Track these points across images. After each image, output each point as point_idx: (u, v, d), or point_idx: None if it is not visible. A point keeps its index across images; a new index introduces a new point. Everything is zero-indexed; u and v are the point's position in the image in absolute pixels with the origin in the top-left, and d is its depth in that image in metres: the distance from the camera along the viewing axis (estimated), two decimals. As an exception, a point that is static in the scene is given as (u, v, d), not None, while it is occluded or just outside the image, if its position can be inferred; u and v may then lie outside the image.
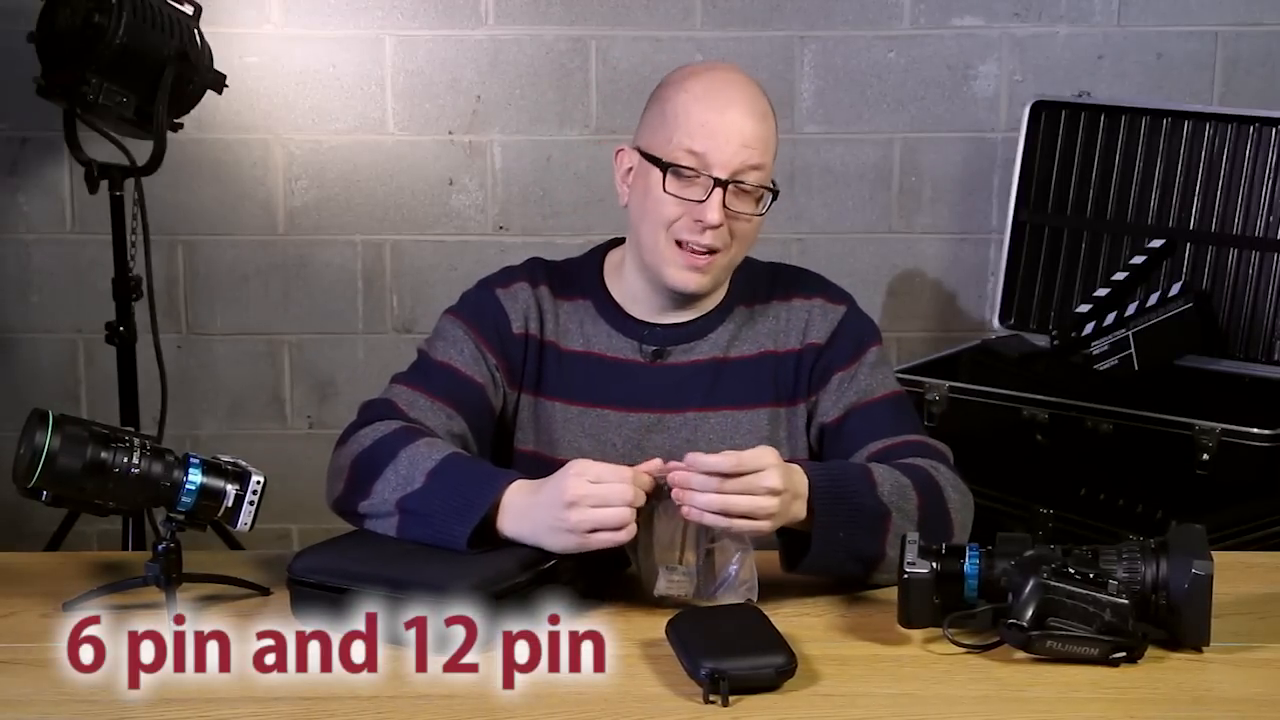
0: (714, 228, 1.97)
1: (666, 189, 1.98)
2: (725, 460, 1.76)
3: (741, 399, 2.06)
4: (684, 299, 2.05)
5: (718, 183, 1.96)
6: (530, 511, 1.80)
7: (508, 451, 2.08)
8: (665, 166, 1.98)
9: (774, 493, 1.76)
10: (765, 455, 1.78)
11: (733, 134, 1.97)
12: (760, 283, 2.13)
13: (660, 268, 2.02)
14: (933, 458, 1.98)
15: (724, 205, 1.96)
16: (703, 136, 1.96)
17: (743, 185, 1.98)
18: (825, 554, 1.83)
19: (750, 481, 1.76)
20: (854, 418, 2.04)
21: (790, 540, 1.85)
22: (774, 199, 2.01)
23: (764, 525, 1.78)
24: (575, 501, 1.75)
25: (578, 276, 2.13)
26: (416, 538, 1.84)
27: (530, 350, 2.08)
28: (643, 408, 2.06)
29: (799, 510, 1.81)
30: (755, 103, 2.00)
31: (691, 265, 2.00)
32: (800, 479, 1.82)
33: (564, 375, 2.08)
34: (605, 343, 2.08)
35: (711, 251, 1.99)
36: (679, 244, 1.99)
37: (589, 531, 1.76)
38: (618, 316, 2.09)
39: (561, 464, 1.81)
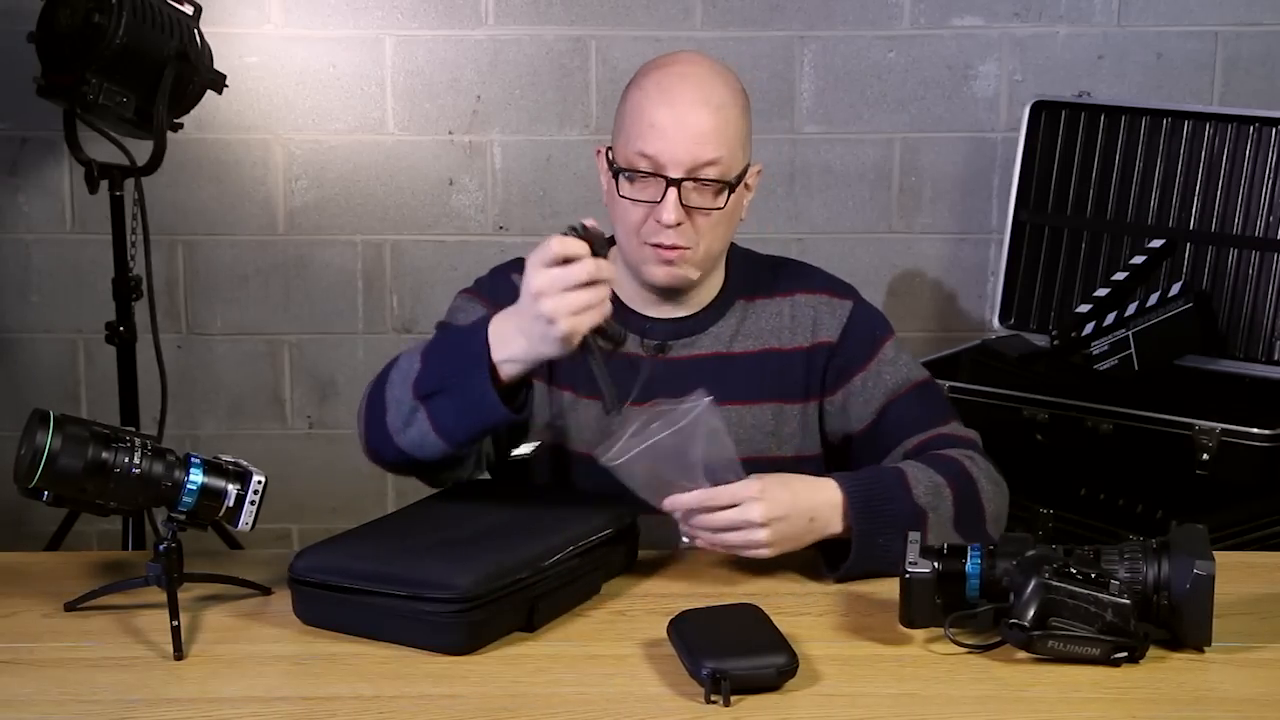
0: (673, 226, 1.96)
1: (622, 194, 1.99)
2: (693, 498, 1.82)
3: (745, 395, 2.06)
4: (671, 293, 2.06)
5: (670, 182, 1.95)
6: (518, 329, 1.79)
7: (521, 433, 2.07)
8: (617, 172, 1.99)
9: (757, 525, 1.83)
10: (744, 489, 1.83)
11: (682, 131, 1.95)
12: (761, 276, 2.13)
13: (638, 267, 2.04)
14: (964, 448, 2.02)
15: (681, 203, 1.96)
16: (653, 137, 1.96)
17: (699, 181, 1.97)
18: (866, 560, 1.88)
19: (733, 517, 1.83)
20: (885, 418, 2.06)
21: (829, 546, 1.90)
22: (730, 193, 1.99)
23: (763, 553, 1.85)
24: (541, 292, 1.75)
25: None
26: (451, 417, 1.83)
27: None
28: (646, 402, 2.05)
29: (826, 525, 1.88)
30: (710, 94, 1.98)
31: (663, 260, 2.00)
32: (824, 496, 1.88)
33: (572, 365, 2.08)
34: None
35: (680, 247, 1.99)
36: (649, 244, 2.00)
37: (573, 315, 1.75)
38: (619, 311, 2.09)
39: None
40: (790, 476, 1.90)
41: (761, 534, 1.83)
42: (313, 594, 1.76)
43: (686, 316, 2.09)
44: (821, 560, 1.91)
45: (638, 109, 1.98)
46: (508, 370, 1.81)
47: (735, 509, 1.83)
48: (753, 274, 2.13)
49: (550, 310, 1.74)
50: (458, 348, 1.85)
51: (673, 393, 1.97)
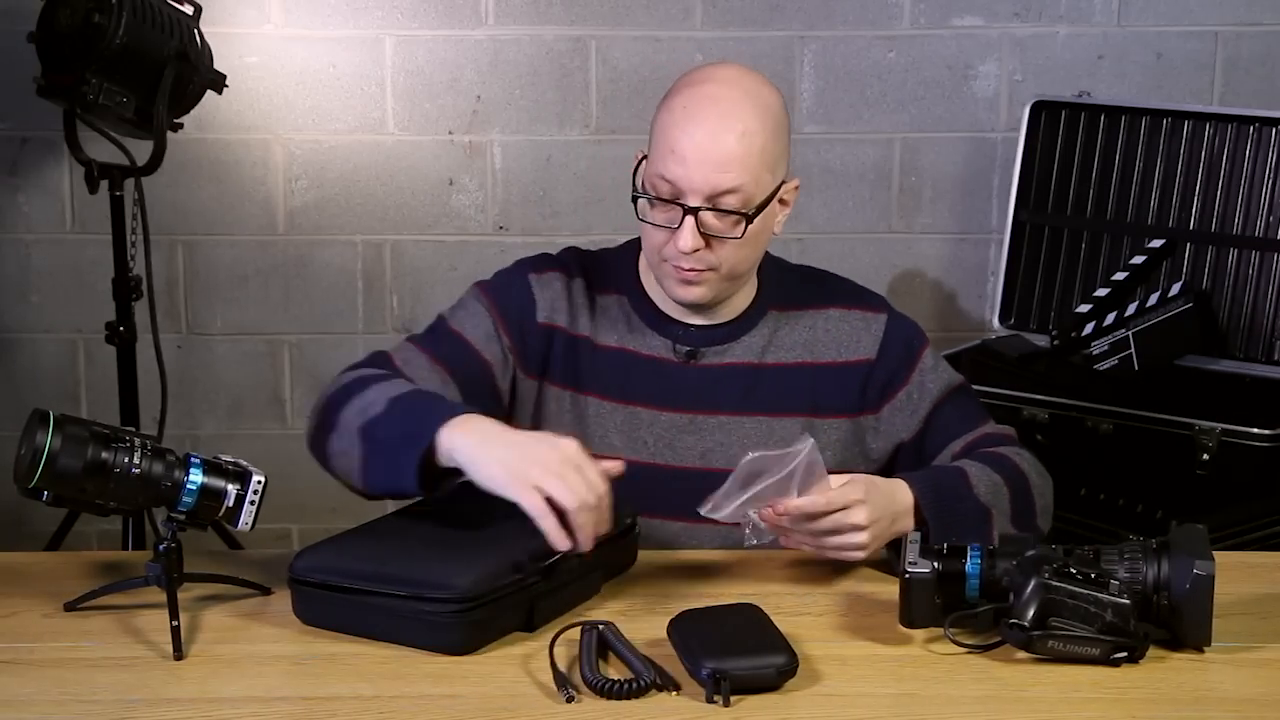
0: (690, 253, 1.94)
1: (642, 217, 1.98)
2: (812, 503, 1.81)
3: (776, 407, 2.06)
4: (698, 306, 2.05)
5: (687, 210, 1.93)
6: (502, 444, 1.78)
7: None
8: (637, 196, 1.98)
9: (861, 528, 1.84)
10: (851, 492, 1.84)
11: (702, 160, 1.91)
12: (793, 288, 2.11)
13: (662, 282, 2.03)
14: (1008, 444, 2.06)
15: (699, 230, 1.93)
16: (674, 163, 1.92)
17: (718, 210, 1.93)
18: None
19: (838, 520, 1.83)
20: (931, 426, 2.08)
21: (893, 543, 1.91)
22: (749, 223, 1.94)
23: (858, 555, 1.87)
24: (568, 466, 1.73)
25: (613, 272, 2.12)
26: (371, 463, 1.84)
27: (555, 342, 2.07)
28: (675, 408, 2.05)
29: (903, 527, 1.89)
30: (735, 120, 1.92)
31: (685, 280, 1.99)
32: (901, 497, 1.90)
33: (599, 370, 2.07)
34: (640, 340, 2.08)
35: (700, 270, 1.98)
36: (671, 264, 1.99)
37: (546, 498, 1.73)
38: (652, 315, 2.09)
39: (595, 458, 1.81)
40: (874, 478, 1.92)
41: (863, 536, 1.85)
42: (312, 594, 1.76)
43: (719, 325, 2.08)
44: (894, 557, 1.90)
45: (664, 130, 1.95)
46: (448, 461, 1.80)
47: (840, 513, 1.83)
48: (785, 285, 2.11)
49: (546, 484, 1.73)
50: (422, 415, 1.84)
51: (703, 400, 1.99)
